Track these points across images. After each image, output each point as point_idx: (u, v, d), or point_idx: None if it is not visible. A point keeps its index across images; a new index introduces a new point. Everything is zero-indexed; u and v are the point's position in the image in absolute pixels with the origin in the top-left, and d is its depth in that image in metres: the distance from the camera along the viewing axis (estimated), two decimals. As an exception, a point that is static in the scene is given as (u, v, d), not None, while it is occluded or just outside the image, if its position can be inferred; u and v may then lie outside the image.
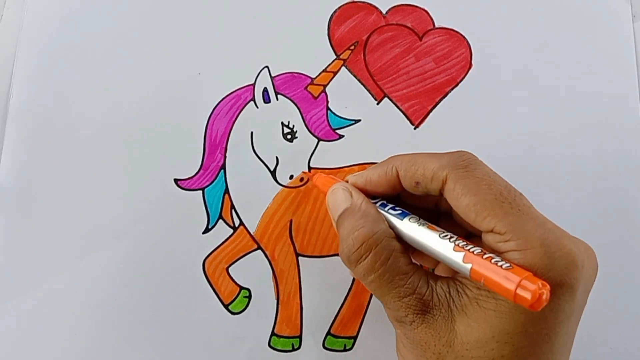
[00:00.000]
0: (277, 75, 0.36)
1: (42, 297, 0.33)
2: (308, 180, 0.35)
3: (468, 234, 0.28)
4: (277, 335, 0.34)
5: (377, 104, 0.37)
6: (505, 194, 0.25)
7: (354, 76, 0.37)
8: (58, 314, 0.33)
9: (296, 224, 0.35)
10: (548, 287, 0.22)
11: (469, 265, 0.24)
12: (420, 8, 0.38)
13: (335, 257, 0.35)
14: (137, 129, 0.35)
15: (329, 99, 0.36)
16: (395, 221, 0.28)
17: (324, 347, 0.34)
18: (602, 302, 0.35)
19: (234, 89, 0.36)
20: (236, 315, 0.34)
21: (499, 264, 0.23)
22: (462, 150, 0.28)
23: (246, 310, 0.34)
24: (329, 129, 0.36)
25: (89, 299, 0.33)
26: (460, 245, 0.25)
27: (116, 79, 0.36)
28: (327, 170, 0.35)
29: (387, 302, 0.27)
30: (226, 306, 0.34)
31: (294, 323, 0.34)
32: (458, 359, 0.25)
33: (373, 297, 0.34)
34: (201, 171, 0.35)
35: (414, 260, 0.27)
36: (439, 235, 0.26)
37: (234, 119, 0.36)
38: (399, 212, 0.28)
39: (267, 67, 0.36)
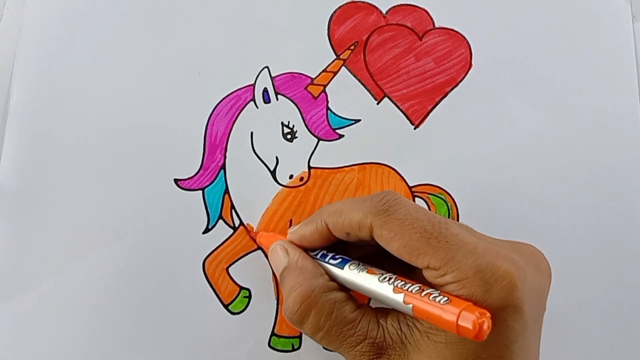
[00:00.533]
0: (277, 76, 0.36)
1: (42, 297, 0.33)
2: (308, 179, 0.35)
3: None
4: (277, 336, 0.34)
5: (377, 104, 0.37)
6: (429, 229, 0.25)
7: (354, 76, 0.37)
8: (58, 314, 0.33)
9: (296, 224, 0.35)
10: (488, 314, 0.22)
11: (410, 306, 0.24)
12: (420, 8, 0.38)
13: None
14: (137, 129, 0.35)
15: (329, 99, 0.36)
16: (336, 271, 0.28)
17: (324, 347, 0.34)
18: (602, 302, 0.35)
19: (234, 89, 0.36)
20: (236, 315, 0.34)
21: (437, 299, 0.23)
22: (382, 192, 0.28)
23: (246, 310, 0.34)
24: (329, 128, 0.36)
25: (88, 299, 0.33)
26: (399, 286, 0.25)
27: (116, 79, 0.36)
28: (326, 170, 0.35)
29: (341, 352, 0.27)
30: (226, 306, 0.34)
31: (294, 323, 0.34)
32: None
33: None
34: (201, 171, 0.35)
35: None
36: (378, 279, 0.26)
37: (234, 119, 0.36)
38: (339, 260, 0.28)
39: (267, 67, 0.36)
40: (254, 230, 0.34)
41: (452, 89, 0.37)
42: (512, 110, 0.37)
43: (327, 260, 0.29)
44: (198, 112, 0.36)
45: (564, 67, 0.38)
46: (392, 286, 0.25)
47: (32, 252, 0.33)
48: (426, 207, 0.35)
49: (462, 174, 0.36)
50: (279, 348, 0.34)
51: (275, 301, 0.34)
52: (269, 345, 0.34)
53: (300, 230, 0.30)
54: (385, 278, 0.26)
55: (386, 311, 0.27)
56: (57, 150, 0.35)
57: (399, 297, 0.25)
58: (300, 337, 0.34)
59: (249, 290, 0.34)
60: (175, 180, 0.35)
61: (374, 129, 0.36)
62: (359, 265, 0.28)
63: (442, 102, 0.37)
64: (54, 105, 0.35)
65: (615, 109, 0.37)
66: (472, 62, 0.38)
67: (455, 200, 0.36)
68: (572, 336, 0.35)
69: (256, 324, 0.34)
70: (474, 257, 0.24)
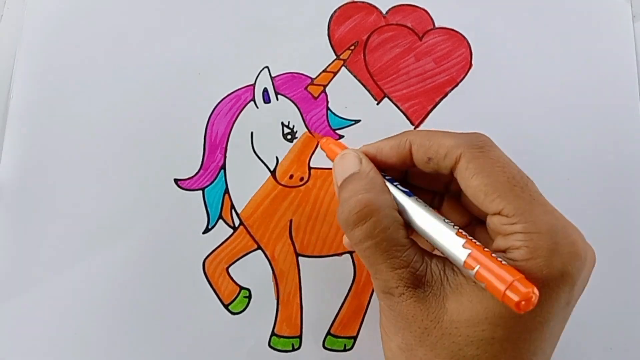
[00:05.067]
0: (277, 76, 0.36)
1: (42, 297, 0.33)
2: (308, 179, 0.35)
3: (468, 223, 0.28)
4: (277, 335, 0.34)
5: (377, 104, 0.37)
6: (517, 178, 0.25)
7: (354, 76, 0.37)
8: (57, 314, 0.33)
9: (296, 224, 0.35)
10: (537, 293, 0.22)
11: (467, 251, 0.24)
12: (420, 8, 0.38)
13: (336, 257, 0.35)
14: (137, 129, 0.35)
15: (329, 99, 0.36)
16: (401, 198, 0.27)
17: (324, 347, 0.34)
18: (602, 302, 0.35)
19: (234, 89, 0.36)
20: (236, 315, 0.34)
21: (499, 259, 0.23)
22: (478, 132, 0.27)
23: (246, 310, 0.34)
24: (329, 129, 0.36)
25: (88, 298, 0.33)
26: (463, 233, 0.25)
27: (116, 79, 0.36)
28: (326, 170, 0.35)
29: (378, 271, 0.26)
30: (226, 306, 0.34)
31: (294, 323, 0.34)
32: (445, 336, 0.24)
33: (373, 297, 0.34)
34: (201, 171, 0.35)
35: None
36: (444, 221, 0.26)
37: (234, 119, 0.36)
38: (406, 190, 0.28)
39: (267, 67, 0.36)
40: (319, 135, 0.34)
41: (452, 89, 0.37)
42: (511, 110, 0.37)
43: (394, 184, 0.28)
44: (198, 112, 0.36)
45: (564, 67, 0.38)
46: (455, 230, 0.25)
47: (32, 251, 0.33)
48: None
49: (462, 174, 0.36)
50: (279, 348, 0.34)
51: (275, 301, 0.34)
52: (269, 345, 0.34)
53: (379, 144, 0.29)
54: (450, 223, 0.26)
55: (432, 254, 0.27)
56: (57, 150, 0.35)
57: (458, 242, 0.24)
58: (300, 337, 0.34)
59: (249, 290, 0.34)
60: (175, 180, 0.35)
61: (374, 129, 0.36)
62: (424, 203, 0.27)
63: (442, 102, 0.37)
64: (54, 105, 0.35)
65: (616, 109, 0.37)
66: (472, 62, 0.38)
67: (455, 200, 0.36)
68: (573, 336, 0.35)
69: (256, 324, 0.34)
70: (550, 217, 0.24)
